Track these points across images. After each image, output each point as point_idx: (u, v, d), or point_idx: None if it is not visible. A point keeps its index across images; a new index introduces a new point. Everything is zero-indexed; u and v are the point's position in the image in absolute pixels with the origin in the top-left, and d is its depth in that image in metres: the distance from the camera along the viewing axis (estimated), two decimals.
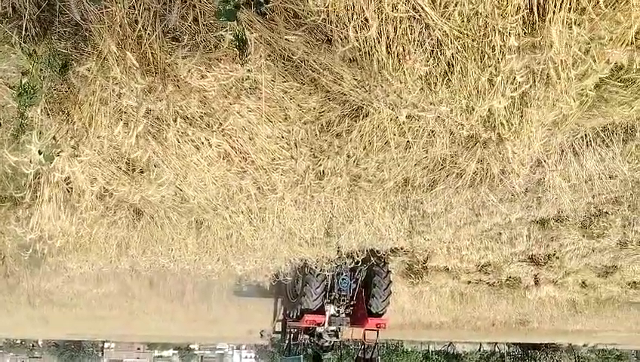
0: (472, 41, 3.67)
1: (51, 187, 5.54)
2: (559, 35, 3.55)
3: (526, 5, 3.58)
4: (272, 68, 4.28)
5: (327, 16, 3.56)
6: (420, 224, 8.23)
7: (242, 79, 4.35)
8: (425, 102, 4.16)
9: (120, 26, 3.92)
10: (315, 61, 4.14)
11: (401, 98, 4.15)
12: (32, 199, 5.64)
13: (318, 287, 11.73)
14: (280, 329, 14.64)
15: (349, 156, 5.41)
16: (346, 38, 3.62)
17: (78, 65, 4.26)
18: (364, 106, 4.72)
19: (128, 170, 5.38)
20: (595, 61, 3.85)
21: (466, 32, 3.61)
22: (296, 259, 9.27)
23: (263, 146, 5.10)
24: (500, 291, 14.55)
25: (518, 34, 3.64)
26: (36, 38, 4.14)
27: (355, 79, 4.18)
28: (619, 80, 4.56)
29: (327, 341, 12.58)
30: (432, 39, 3.65)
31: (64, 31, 4.22)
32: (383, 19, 3.53)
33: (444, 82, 3.96)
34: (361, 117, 4.90)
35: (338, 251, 9.03)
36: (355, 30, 3.55)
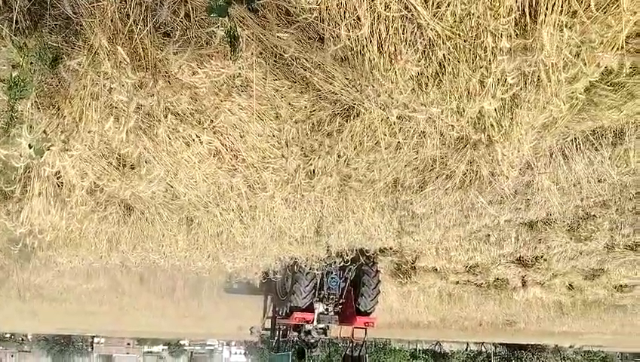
0: (464, 41, 3.68)
1: (41, 181, 5.52)
2: (550, 37, 3.56)
3: (518, 7, 3.59)
4: (263, 65, 4.28)
5: (320, 14, 3.56)
6: (409, 224, 8.24)
7: (234, 76, 4.34)
8: (416, 103, 4.17)
9: (111, 21, 3.91)
10: (306, 59, 4.14)
11: (392, 98, 4.15)
12: (22, 193, 5.61)
13: (307, 286, 11.77)
14: (269, 326, 14.72)
15: (339, 156, 5.41)
16: (337, 36, 3.62)
17: (68, 59, 4.24)
18: (356, 106, 4.72)
19: (119, 166, 5.36)
20: (585, 64, 3.85)
21: (458, 32, 3.62)
22: (286, 258, 9.29)
23: (254, 144, 5.09)
24: (488, 292, 14.59)
25: (510, 35, 3.64)
26: (27, 31, 4.11)
27: (347, 78, 4.18)
28: (609, 84, 4.58)
29: (315, 338, 12.63)
30: (423, 39, 3.66)
31: (55, 24, 4.20)
32: (376, 18, 3.53)
33: (436, 83, 3.97)
34: (352, 117, 4.90)
35: (328, 250, 9.05)
36: (347, 29, 3.55)
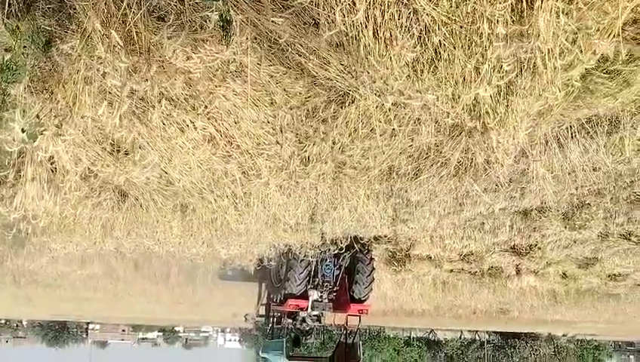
0: (460, 27, 3.66)
1: (35, 166, 5.49)
2: (547, 23, 3.55)
3: None
4: (258, 51, 4.25)
5: None
6: (404, 212, 8.25)
7: (228, 62, 4.31)
8: (411, 90, 4.15)
9: (105, 4, 3.87)
10: (301, 45, 4.11)
11: (388, 85, 4.13)
12: (16, 178, 5.59)
13: (301, 273, 11.79)
14: (264, 313, 14.73)
15: (334, 142, 5.39)
16: (333, 21, 3.60)
17: (62, 43, 4.20)
18: (351, 92, 4.69)
19: (113, 151, 5.33)
20: (581, 51, 3.85)
21: (454, 18, 3.60)
22: (281, 245, 9.28)
23: (249, 130, 5.07)
24: (482, 280, 14.67)
25: (506, 21, 3.62)
26: (19, 14, 4.07)
27: (342, 64, 4.15)
28: (604, 71, 4.58)
29: (309, 325, 12.67)
30: (419, 25, 3.64)
31: (48, 7, 4.16)
32: (371, 2, 3.51)
33: (431, 69, 3.95)
34: (347, 103, 4.88)
35: (322, 237, 9.06)
36: (343, 14, 3.53)
